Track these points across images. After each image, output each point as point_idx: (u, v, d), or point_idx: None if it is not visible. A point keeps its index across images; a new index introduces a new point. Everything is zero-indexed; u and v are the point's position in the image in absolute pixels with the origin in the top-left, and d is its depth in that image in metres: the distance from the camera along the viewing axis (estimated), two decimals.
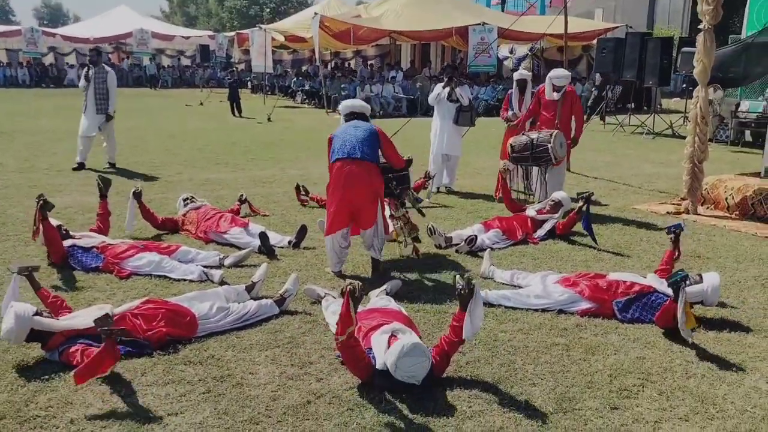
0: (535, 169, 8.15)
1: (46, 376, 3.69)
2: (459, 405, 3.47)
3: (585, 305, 4.74)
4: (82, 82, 10.29)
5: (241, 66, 36.63)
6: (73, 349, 3.80)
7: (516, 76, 9.22)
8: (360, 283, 3.52)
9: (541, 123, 8.09)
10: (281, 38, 26.47)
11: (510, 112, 9.03)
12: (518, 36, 23.84)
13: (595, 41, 23.59)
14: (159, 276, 5.38)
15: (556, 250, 6.39)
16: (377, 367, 3.63)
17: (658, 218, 7.75)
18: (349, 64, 35.03)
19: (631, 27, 23.55)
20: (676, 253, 5.27)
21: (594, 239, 6.41)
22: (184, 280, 5.34)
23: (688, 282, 4.26)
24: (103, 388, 3.58)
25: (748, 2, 16.58)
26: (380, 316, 4.23)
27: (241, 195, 7.58)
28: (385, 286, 5.01)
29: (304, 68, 32.34)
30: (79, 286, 5.16)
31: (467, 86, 9.84)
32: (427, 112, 21.84)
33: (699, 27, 7.84)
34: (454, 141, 8.98)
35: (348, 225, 5.49)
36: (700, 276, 4.70)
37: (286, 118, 20.01)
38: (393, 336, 3.82)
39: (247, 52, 37.21)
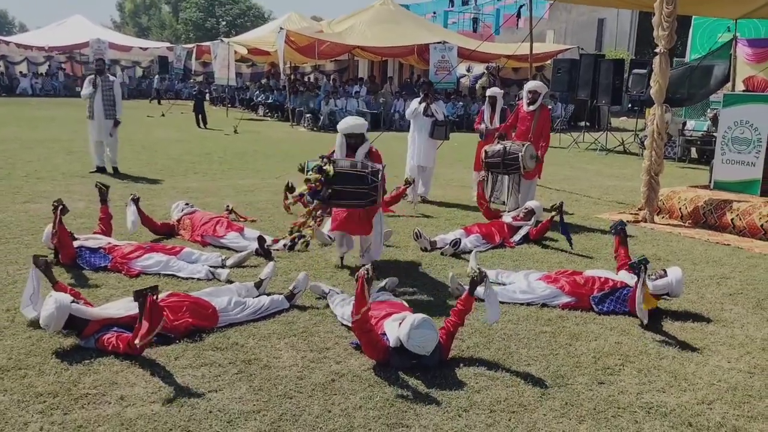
0: (506, 180, 8.73)
1: (87, 361, 3.98)
2: (467, 381, 3.92)
3: (565, 299, 5.27)
4: (87, 91, 10.76)
5: (199, 78, 36.67)
6: (108, 335, 4.11)
7: (488, 93, 9.83)
8: (372, 267, 3.97)
9: (516, 136, 8.67)
10: (244, 51, 26.72)
11: (482, 126, 9.65)
12: (477, 56, 24.68)
13: (549, 62, 24.68)
14: (167, 275, 5.69)
15: (532, 253, 6.93)
16: (390, 345, 4.06)
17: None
18: (308, 78, 35.44)
19: (582, 48, 24.71)
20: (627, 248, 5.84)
21: (570, 242, 6.98)
22: (192, 278, 5.66)
23: (648, 264, 4.83)
24: (142, 371, 3.90)
25: (691, 27, 17.75)
26: (388, 307, 4.67)
27: (227, 205, 7.87)
28: (382, 283, 5.44)
29: (263, 81, 32.60)
30: (91, 284, 5.42)
31: (442, 102, 10.37)
32: (390, 126, 22.52)
33: (655, 51, 8.54)
34: (429, 153, 9.51)
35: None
36: (665, 270, 5.27)
37: (252, 130, 20.28)
38: (402, 322, 4.26)
39: (205, 64, 37.46)
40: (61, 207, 5.51)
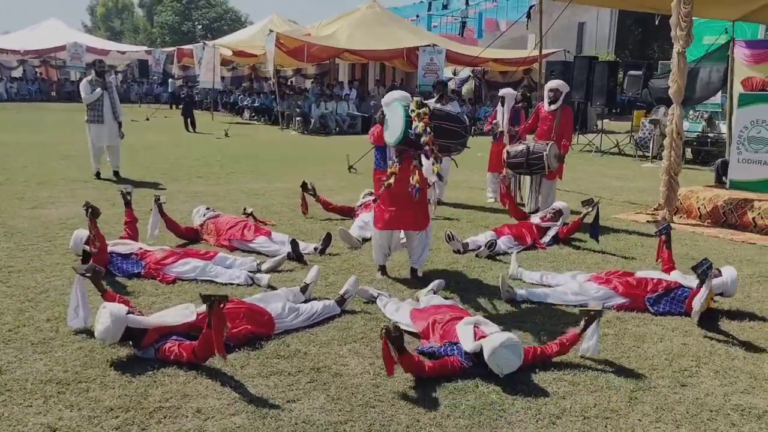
0: (527, 180, 8.66)
1: (149, 372, 3.78)
2: (548, 387, 3.79)
3: (620, 300, 5.18)
4: (94, 94, 10.31)
5: (179, 82, 36.19)
6: (169, 344, 3.91)
7: (500, 93, 9.77)
8: (395, 324, 3.78)
9: (537, 136, 8.60)
10: (229, 53, 26.40)
11: (494, 125, 9.64)
12: (464, 60, 24.72)
13: (535, 65, 24.78)
14: (205, 281, 5.48)
15: (566, 254, 6.85)
16: (467, 350, 3.91)
17: (640, 226, 8.36)
18: (291, 82, 35.18)
19: (568, 51, 24.88)
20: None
21: (597, 240, 6.91)
22: (231, 284, 5.46)
23: (713, 269, 4.77)
24: (210, 381, 3.71)
25: None
26: (448, 310, 4.53)
27: (245, 208, 7.63)
28: (431, 286, 5.29)
29: (245, 84, 32.25)
30: (129, 291, 5.19)
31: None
32: None
33: (675, 50, 8.52)
34: None
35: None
36: (719, 270, 5.21)
37: (241, 134, 20.00)
38: (476, 327, 4.13)
39: (185, 67, 36.98)
40: (91, 209, 5.26)
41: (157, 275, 5.49)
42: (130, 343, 4.00)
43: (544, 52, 26.15)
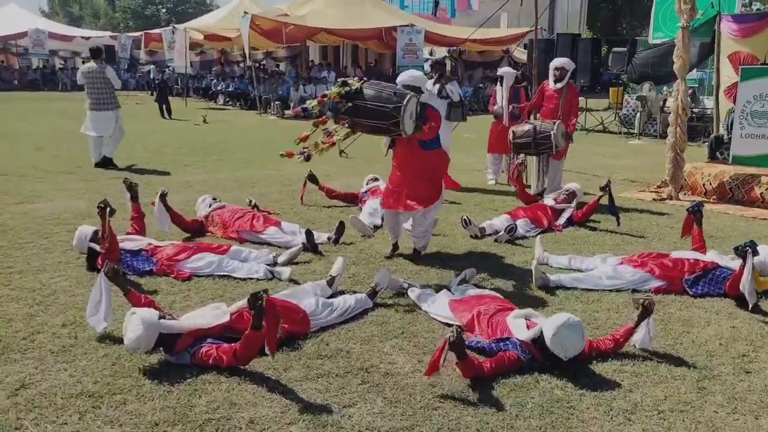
0: (533, 161, 8.48)
1: (188, 379, 3.50)
2: (612, 379, 3.61)
3: (656, 283, 5.03)
4: (116, 81, 10.35)
5: (147, 68, 35.24)
6: (206, 348, 3.64)
7: (499, 72, 9.56)
8: (460, 329, 3.53)
9: (542, 115, 8.41)
10: (200, 37, 25.70)
11: (496, 106, 9.42)
12: (442, 40, 24.49)
13: (513, 45, 24.67)
14: (222, 276, 5.19)
15: (584, 236, 6.69)
16: (523, 339, 3.71)
17: (648, 204, 8.27)
18: (263, 65, 34.51)
19: (544, 29, 24.77)
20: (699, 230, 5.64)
21: (618, 220, 6.76)
22: (250, 279, 5.18)
23: (755, 249, 4.63)
24: (256, 386, 3.45)
25: (653, 7, 17.89)
26: (492, 301, 4.33)
27: (250, 200, 7.28)
28: (462, 275, 5.08)
29: (215, 69, 31.48)
30: (144, 290, 4.86)
31: (456, 82, 10.01)
32: None
33: (679, 25, 8.39)
34: (445, 135, 9.08)
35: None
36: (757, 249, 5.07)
37: (219, 119, 19.49)
38: (527, 319, 3.93)
39: (152, 52, 35.93)
40: (109, 208, 4.90)
41: (171, 272, 5.18)
42: (161, 349, 3.71)
43: (523, 30, 26.14)
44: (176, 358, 3.68)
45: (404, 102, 5.03)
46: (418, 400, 3.36)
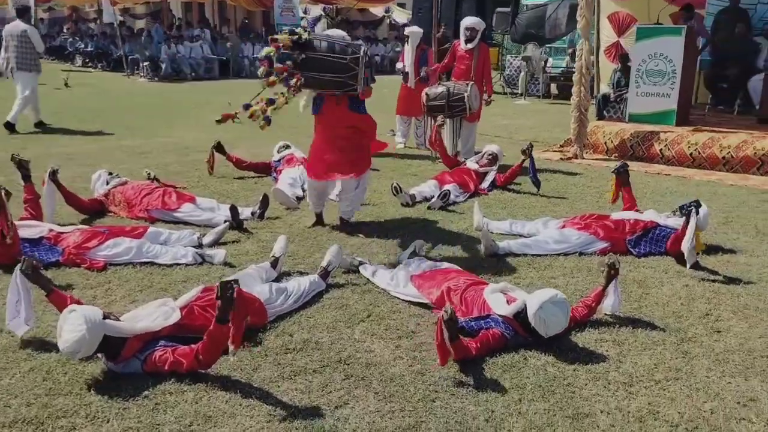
0: (448, 123, 8.31)
1: (144, 392, 2.98)
2: (598, 350, 3.51)
3: (601, 245, 5.02)
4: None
5: None
6: (159, 352, 3.13)
7: (406, 31, 9.29)
8: (453, 306, 3.34)
9: (454, 76, 8.23)
10: None
11: (399, 65, 9.20)
12: None
13: (394, 3, 24.40)
14: (144, 264, 4.58)
15: (510, 198, 6.64)
16: (503, 313, 3.52)
17: (558, 164, 8.40)
18: (124, 23, 31.95)
19: None
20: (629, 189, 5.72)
21: (538, 186, 6.73)
22: (177, 264, 4.61)
23: (699, 209, 4.72)
24: (227, 393, 3.01)
25: None
26: (458, 275, 4.11)
27: (148, 173, 6.54)
28: (411, 247, 4.81)
29: (67, 26, 28.78)
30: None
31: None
32: (240, 73, 20.95)
33: None
34: None
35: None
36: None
37: (83, 83, 17.80)
38: (505, 293, 3.74)
39: None
40: (4, 191, 4.13)
41: (82, 262, 4.51)
42: (101, 356, 3.15)
43: None
44: (122, 366, 3.14)
45: (360, 53, 4.67)
46: (413, 392, 3.08)
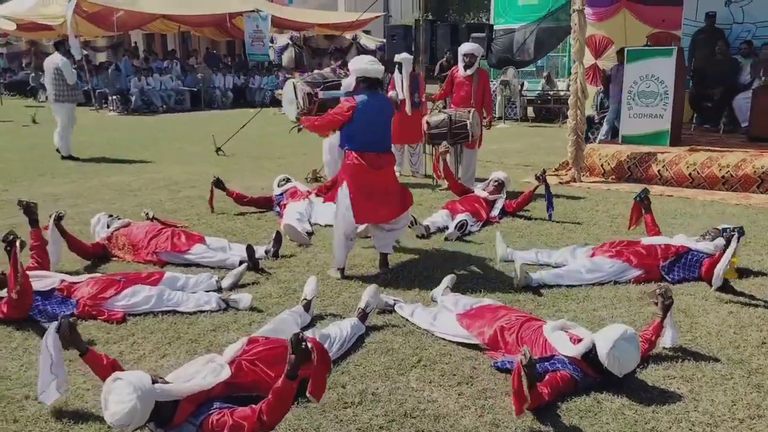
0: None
1: None
2: (669, 388, 3.35)
3: (635, 273, 4.90)
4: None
5: None
6: (216, 416, 2.85)
7: (396, 58, 9.13)
8: (528, 349, 3.13)
9: (454, 103, 8.14)
10: (12, 27, 22.65)
11: (392, 93, 9.00)
12: (289, 25, 23.65)
13: (359, 31, 24.42)
14: (166, 312, 4.30)
15: (523, 226, 6.50)
16: (570, 354, 3.35)
17: (558, 189, 8.29)
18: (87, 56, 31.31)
19: (390, 15, 24.80)
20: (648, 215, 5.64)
21: (550, 213, 6.62)
22: (200, 312, 4.34)
23: (742, 236, 4.65)
24: None
25: None
26: (507, 312, 3.94)
27: (146, 213, 6.21)
28: (444, 283, 4.61)
29: (26, 61, 28.06)
30: None
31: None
32: (212, 104, 20.62)
33: (574, 8, 8.45)
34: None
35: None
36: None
37: (50, 118, 17.10)
38: (565, 331, 3.57)
39: None
40: (19, 241, 3.82)
41: (99, 314, 4.21)
42: (151, 424, 2.87)
43: (371, 16, 26.00)
44: None
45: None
46: None
